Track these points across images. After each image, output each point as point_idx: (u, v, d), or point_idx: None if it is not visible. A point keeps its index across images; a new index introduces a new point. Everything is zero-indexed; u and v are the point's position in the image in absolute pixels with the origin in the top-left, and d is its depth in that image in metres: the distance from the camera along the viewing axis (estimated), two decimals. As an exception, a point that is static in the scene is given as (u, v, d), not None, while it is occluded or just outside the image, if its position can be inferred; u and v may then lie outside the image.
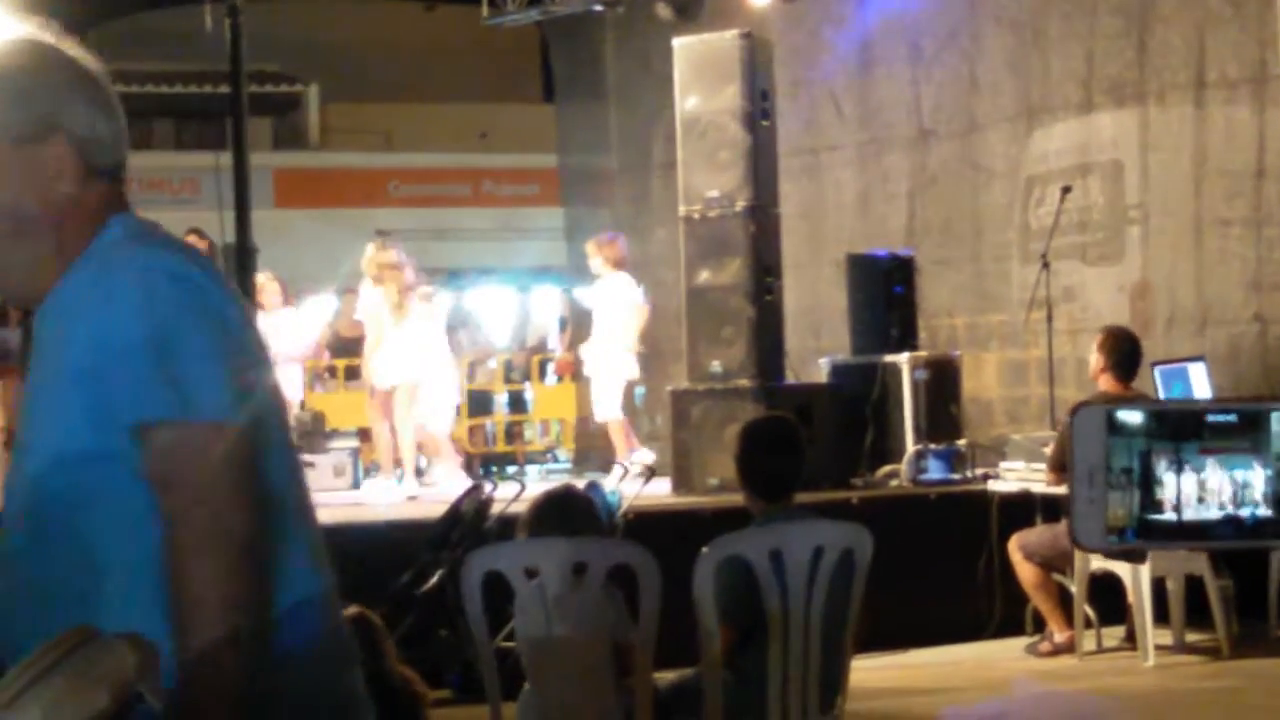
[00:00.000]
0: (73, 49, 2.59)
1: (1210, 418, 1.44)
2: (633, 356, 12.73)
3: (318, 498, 2.78)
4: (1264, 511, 1.43)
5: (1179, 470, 1.45)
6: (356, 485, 13.33)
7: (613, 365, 12.77)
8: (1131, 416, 1.46)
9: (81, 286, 2.49)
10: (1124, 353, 9.10)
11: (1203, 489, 1.45)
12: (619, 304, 12.71)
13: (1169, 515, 1.47)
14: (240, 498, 2.39)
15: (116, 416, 2.41)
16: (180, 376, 2.40)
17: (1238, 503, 1.44)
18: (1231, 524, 1.44)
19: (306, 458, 12.76)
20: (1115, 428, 1.46)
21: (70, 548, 2.46)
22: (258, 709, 2.39)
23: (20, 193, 2.52)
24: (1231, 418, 1.44)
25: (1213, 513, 1.44)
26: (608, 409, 12.86)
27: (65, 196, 2.53)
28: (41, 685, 2.07)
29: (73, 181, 2.53)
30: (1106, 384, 9.04)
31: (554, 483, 8.53)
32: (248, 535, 2.38)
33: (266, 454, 2.48)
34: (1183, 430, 1.45)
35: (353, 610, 5.92)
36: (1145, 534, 1.47)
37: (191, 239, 17.58)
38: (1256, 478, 1.44)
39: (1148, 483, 1.45)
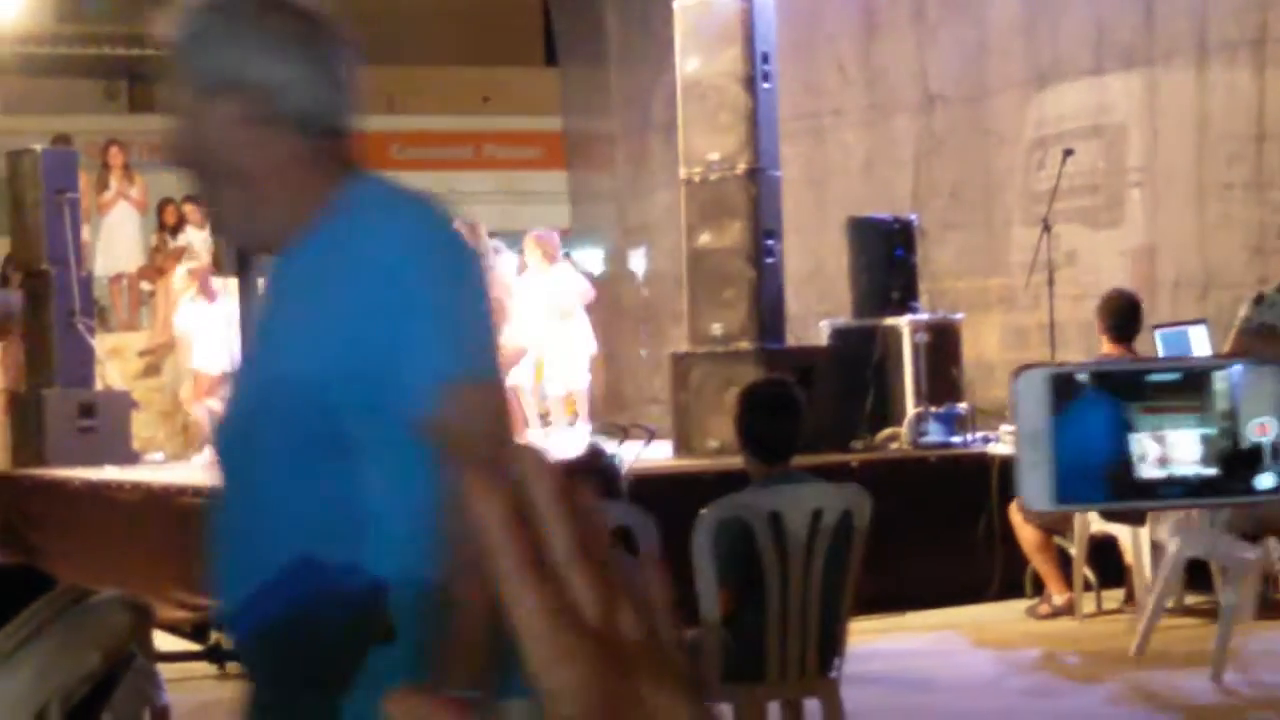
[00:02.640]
0: (292, 1, 2.59)
1: (1153, 378, 1.45)
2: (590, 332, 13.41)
3: None
4: (1210, 470, 1.44)
5: (1125, 431, 1.46)
6: None
7: (580, 340, 13.27)
8: (1074, 379, 1.47)
9: (341, 241, 2.53)
10: (1120, 314, 9.08)
11: (1148, 449, 1.46)
12: (574, 290, 13.30)
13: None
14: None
15: (394, 372, 2.46)
16: (461, 336, 2.49)
17: (1185, 459, 1.46)
18: (1179, 484, 1.45)
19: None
20: (1058, 390, 1.47)
21: (331, 490, 2.53)
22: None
23: (212, 143, 2.56)
24: (1175, 377, 1.45)
25: (1159, 473, 1.45)
26: (580, 379, 13.13)
27: (255, 147, 2.54)
28: (35, 644, 2.07)
29: (259, 134, 2.54)
30: (1107, 346, 9.04)
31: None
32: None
33: None
34: (1127, 391, 1.46)
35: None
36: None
37: (188, 208, 17.62)
38: (1205, 431, 1.45)
39: None
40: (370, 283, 2.48)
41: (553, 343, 13.27)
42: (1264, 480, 1.44)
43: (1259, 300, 8.25)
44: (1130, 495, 1.45)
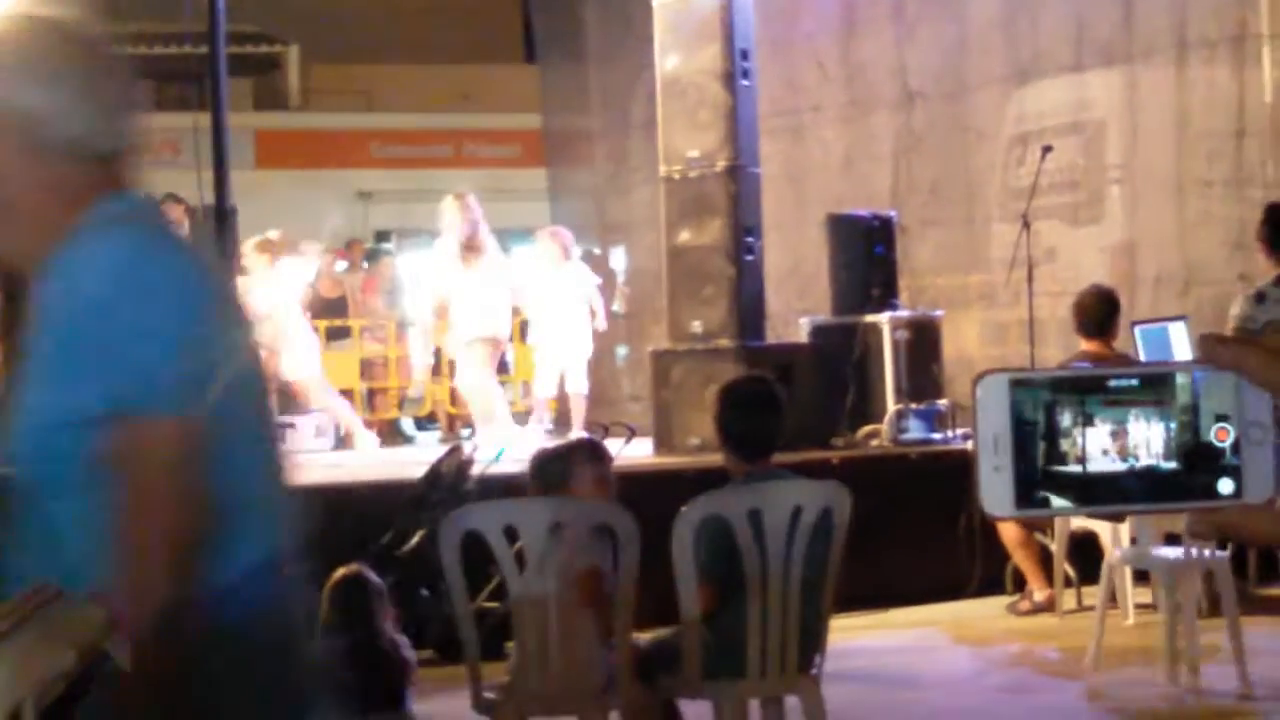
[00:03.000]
0: (68, 26, 2.56)
1: (1113, 383, 1.45)
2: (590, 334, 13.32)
3: (298, 458, 2.80)
4: (1171, 465, 1.43)
5: (1084, 434, 1.46)
6: (338, 445, 13.54)
7: (583, 341, 13.16)
8: (1034, 385, 1.47)
9: (62, 266, 2.50)
10: (1095, 311, 9.06)
11: (1107, 452, 1.45)
12: (583, 290, 13.22)
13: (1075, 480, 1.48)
14: (180, 496, 2.41)
15: (81, 398, 2.43)
16: (139, 367, 2.41)
17: (1143, 463, 1.45)
18: (1141, 478, 1.45)
19: (286, 419, 12.80)
20: (1020, 395, 1.47)
21: (43, 514, 2.51)
22: (197, 681, 2.44)
23: None
24: (1135, 383, 1.45)
25: (1121, 467, 1.44)
26: (580, 381, 13.05)
27: (21, 174, 2.54)
28: (8, 643, 2.05)
29: (22, 161, 2.53)
30: (1084, 344, 9.04)
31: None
32: (180, 535, 2.41)
33: (226, 438, 2.49)
34: (1089, 391, 1.46)
35: (351, 570, 5.94)
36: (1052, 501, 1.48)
37: (167, 206, 17.57)
38: (1163, 435, 1.44)
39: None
40: (65, 312, 2.46)
41: (551, 342, 13.21)
42: (1224, 485, 1.43)
43: (1260, 298, 8.25)
44: (1092, 500, 1.44)
